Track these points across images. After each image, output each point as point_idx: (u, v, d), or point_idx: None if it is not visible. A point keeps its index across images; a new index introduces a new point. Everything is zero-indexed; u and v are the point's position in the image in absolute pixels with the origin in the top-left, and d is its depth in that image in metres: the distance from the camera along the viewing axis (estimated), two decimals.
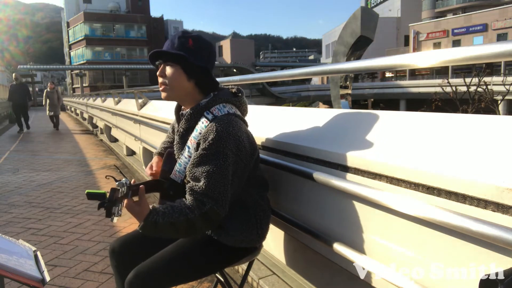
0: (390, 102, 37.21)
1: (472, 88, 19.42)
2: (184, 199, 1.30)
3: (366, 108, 36.53)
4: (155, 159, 1.62)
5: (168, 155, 1.53)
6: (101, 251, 2.79)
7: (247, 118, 1.50)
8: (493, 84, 20.27)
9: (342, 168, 1.35)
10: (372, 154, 1.25)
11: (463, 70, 29.29)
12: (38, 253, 1.49)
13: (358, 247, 1.30)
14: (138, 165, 5.67)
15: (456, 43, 37.92)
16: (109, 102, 8.28)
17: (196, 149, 1.33)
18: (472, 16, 37.58)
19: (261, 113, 2.18)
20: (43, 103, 12.77)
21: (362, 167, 1.26)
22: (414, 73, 41.38)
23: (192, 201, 1.27)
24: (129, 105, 6.18)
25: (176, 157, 1.47)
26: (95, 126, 11.17)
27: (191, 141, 1.37)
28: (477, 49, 0.99)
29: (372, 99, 41.02)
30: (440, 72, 37.02)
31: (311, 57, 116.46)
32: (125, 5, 53.61)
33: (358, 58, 19.83)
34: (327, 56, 56.58)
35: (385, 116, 1.43)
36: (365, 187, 1.21)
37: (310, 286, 1.87)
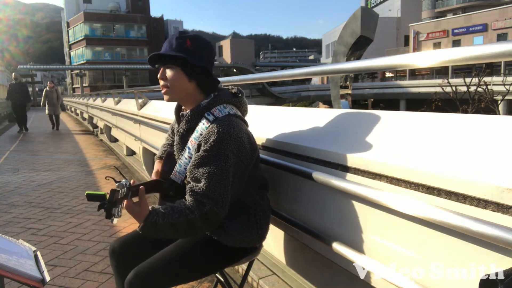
0: (390, 102, 37.21)
1: (472, 88, 19.43)
2: (184, 200, 1.31)
3: (366, 108, 36.53)
4: (157, 164, 1.62)
5: (168, 155, 1.53)
6: (101, 251, 2.79)
7: (247, 118, 1.50)
8: (493, 84, 20.28)
9: (342, 168, 1.35)
10: (372, 154, 1.25)
11: (463, 70, 29.29)
12: (38, 253, 1.49)
13: (358, 247, 1.30)
14: (138, 165, 5.67)
15: (456, 43, 37.92)
16: (109, 102, 8.28)
17: (197, 150, 1.32)
18: (472, 16, 37.58)
19: (261, 113, 2.18)
20: (41, 104, 12.68)
21: (362, 167, 1.26)
22: (414, 73, 41.38)
23: (192, 201, 1.27)
24: (129, 105, 6.18)
25: (176, 157, 1.47)
26: (95, 126, 11.17)
27: (192, 142, 1.37)
28: (477, 49, 0.99)
29: (372, 99, 41.02)
30: (440, 72, 37.02)
31: (311, 57, 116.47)
32: (125, 5, 53.61)
33: (358, 58, 19.84)
34: (327, 56, 56.58)
35: (385, 116, 1.43)
36: (365, 187, 1.21)
37: (310, 286, 1.87)
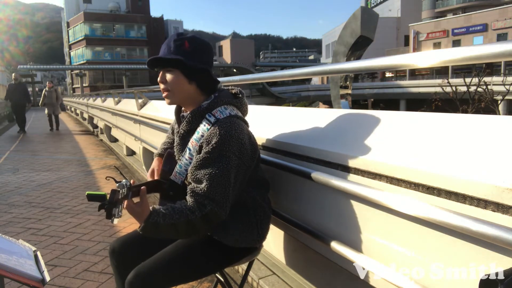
0: (390, 102, 37.20)
1: (472, 88, 19.42)
2: (184, 200, 1.31)
3: (366, 108, 36.53)
4: (155, 162, 1.62)
5: (168, 156, 1.53)
6: (101, 251, 2.79)
7: (247, 118, 1.50)
8: (493, 84, 20.28)
9: (342, 168, 1.35)
10: (372, 154, 1.25)
11: (463, 70, 29.29)
12: (38, 253, 1.49)
13: (358, 247, 1.30)
14: (138, 165, 5.67)
15: (456, 43, 37.92)
16: (109, 102, 8.28)
17: (198, 151, 1.32)
18: (472, 16, 37.59)
19: (261, 113, 2.18)
20: (40, 104, 12.63)
21: (362, 167, 1.26)
22: (414, 73, 41.38)
23: (193, 202, 1.27)
24: (129, 105, 6.18)
25: (176, 158, 1.47)
26: (95, 126, 11.17)
27: (193, 143, 1.37)
28: (477, 49, 0.99)
29: (372, 99, 41.02)
30: (440, 72, 37.02)
31: (311, 57, 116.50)
32: (125, 5, 53.61)
33: (358, 58, 19.84)
34: (327, 56, 56.61)
35: (385, 116, 1.43)
36: (365, 187, 1.21)
37: (310, 286, 1.87)
